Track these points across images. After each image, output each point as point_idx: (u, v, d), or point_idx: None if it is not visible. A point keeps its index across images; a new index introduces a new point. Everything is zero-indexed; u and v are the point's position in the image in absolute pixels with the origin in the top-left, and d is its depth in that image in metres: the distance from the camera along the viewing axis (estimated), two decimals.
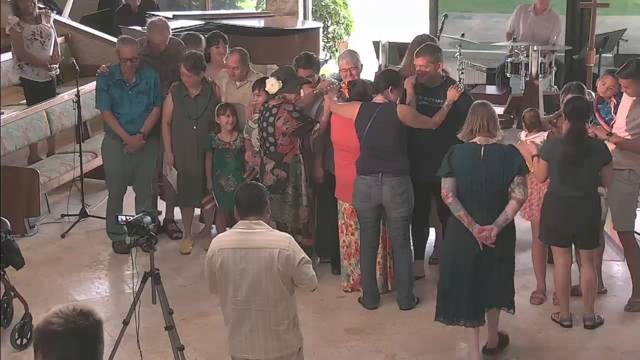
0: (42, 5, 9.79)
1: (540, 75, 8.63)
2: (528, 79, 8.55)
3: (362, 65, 7.14)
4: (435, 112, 6.63)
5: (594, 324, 6.33)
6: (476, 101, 6.06)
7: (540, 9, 10.48)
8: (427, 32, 8.64)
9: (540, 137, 6.58)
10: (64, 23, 10.84)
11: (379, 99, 6.51)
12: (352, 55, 7.11)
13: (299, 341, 4.65)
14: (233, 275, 4.48)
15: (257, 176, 7.01)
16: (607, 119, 6.68)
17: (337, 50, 13.75)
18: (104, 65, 7.63)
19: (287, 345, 4.59)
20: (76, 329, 2.77)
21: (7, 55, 9.69)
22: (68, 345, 2.76)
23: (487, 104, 5.90)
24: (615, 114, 6.62)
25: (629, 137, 6.41)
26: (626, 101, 6.50)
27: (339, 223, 6.87)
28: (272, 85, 6.76)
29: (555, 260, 6.37)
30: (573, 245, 6.38)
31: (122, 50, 7.37)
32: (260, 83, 7.08)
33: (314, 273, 4.62)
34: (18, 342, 6.05)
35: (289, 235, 4.63)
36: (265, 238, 4.50)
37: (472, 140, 5.77)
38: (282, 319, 4.53)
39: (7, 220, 6.16)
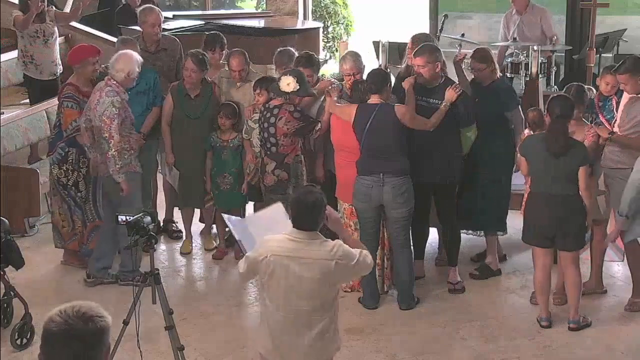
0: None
1: (540, 75, 8.61)
2: (528, 79, 8.55)
3: (364, 66, 7.09)
4: (433, 113, 6.61)
5: (578, 326, 6.28)
6: None
7: (522, 7, 10.15)
8: (427, 32, 8.61)
9: None
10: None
11: (375, 99, 6.50)
12: (355, 59, 6.96)
13: (338, 346, 4.65)
14: (284, 283, 4.38)
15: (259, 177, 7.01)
16: (609, 117, 6.67)
17: (337, 50, 13.76)
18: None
19: (332, 349, 4.58)
20: (72, 332, 2.69)
21: (7, 55, 9.69)
22: (60, 348, 2.70)
23: None
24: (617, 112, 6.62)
25: (632, 136, 6.39)
26: (627, 99, 6.50)
27: None
28: (289, 84, 6.62)
29: (535, 260, 6.34)
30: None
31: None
32: (262, 83, 7.05)
33: (367, 261, 4.47)
34: (18, 342, 6.05)
35: (340, 242, 4.48)
36: (320, 249, 4.38)
37: None
38: (329, 325, 4.49)
39: (7, 220, 6.16)
